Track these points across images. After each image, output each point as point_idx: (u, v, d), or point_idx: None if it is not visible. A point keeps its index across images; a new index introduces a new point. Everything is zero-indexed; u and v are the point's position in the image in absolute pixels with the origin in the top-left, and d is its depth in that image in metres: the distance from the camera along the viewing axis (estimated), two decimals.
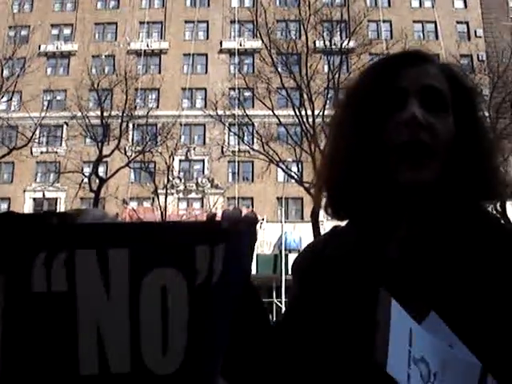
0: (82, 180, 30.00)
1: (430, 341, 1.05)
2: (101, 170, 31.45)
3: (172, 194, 36.05)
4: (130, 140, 33.16)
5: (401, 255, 1.22)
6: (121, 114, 29.82)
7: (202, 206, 38.79)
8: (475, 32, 43.66)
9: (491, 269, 1.14)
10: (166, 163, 31.37)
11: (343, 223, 1.42)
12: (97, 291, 1.25)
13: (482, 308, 1.12)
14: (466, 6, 45.04)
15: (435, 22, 43.31)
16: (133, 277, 1.26)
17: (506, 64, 27.16)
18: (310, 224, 23.07)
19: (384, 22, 43.33)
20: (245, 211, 1.32)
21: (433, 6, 44.27)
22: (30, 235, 1.26)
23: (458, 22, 43.92)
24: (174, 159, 33.58)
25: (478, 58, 36.07)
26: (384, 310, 1.04)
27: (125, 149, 30.54)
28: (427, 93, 1.24)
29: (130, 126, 32.77)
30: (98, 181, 28.00)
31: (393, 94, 1.24)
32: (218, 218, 1.31)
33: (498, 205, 22.83)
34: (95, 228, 1.31)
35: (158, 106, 40.61)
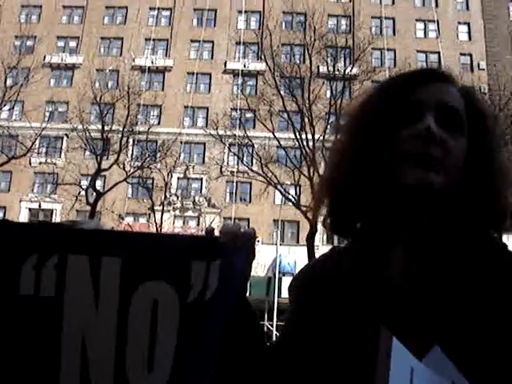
0: (79, 192, 29.97)
1: (431, 379, 1.02)
2: (98, 184, 31.38)
3: (168, 211, 36.01)
4: (130, 155, 33.17)
5: (404, 281, 1.19)
6: (121, 129, 29.87)
7: (198, 224, 38.73)
8: (478, 64, 43.98)
9: (499, 302, 1.11)
10: (164, 180, 31.39)
11: (342, 244, 1.39)
12: (85, 299, 1.21)
13: (488, 344, 1.08)
14: (470, 38, 45.43)
15: (439, 53, 43.63)
16: (124, 288, 1.22)
17: (507, 97, 27.30)
18: (306, 248, 23.00)
19: (388, 50, 43.66)
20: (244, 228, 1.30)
21: (437, 37, 44.64)
22: (22, 237, 1.22)
23: (461, 54, 44.25)
24: (172, 176, 33.63)
25: (480, 90, 36.22)
26: (384, 349, 1.01)
27: (124, 163, 30.53)
28: (443, 110, 1.22)
29: (130, 141, 32.79)
30: (94, 194, 27.93)
31: (408, 106, 1.22)
32: (216, 233, 1.29)
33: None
34: (90, 234, 1.27)
35: (159, 123, 40.75)
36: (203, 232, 1.32)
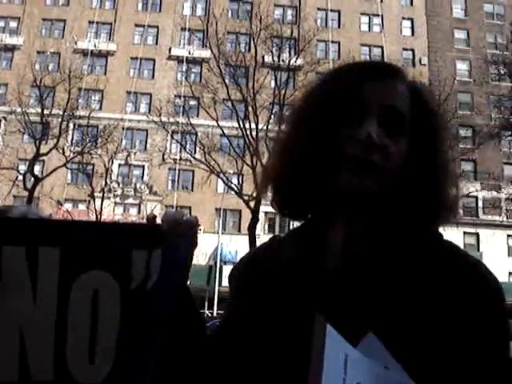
0: (17, 177, 29.30)
1: (365, 364, 1.03)
2: (37, 169, 30.76)
3: (109, 198, 35.55)
4: (70, 140, 32.65)
5: (342, 268, 1.20)
6: (62, 113, 29.30)
7: (139, 212, 38.40)
8: (420, 60, 44.96)
9: (432, 289, 1.14)
10: (105, 166, 30.96)
11: (282, 234, 1.39)
12: (22, 291, 1.15)
13: (421, 329, 1.10)
14: (413, 33, 46.37)
15: (382, 47, 44.35)
16: (63, 278, 1.18)
17: (447, 93, 27.97)
18: (247, 237, 23.09)
19: (333, 42, 44.11)
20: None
21: (381, 31, 45.36)
22: None
23: (404, 49, 45.14)
24: (113, 163, 33.20)
25: (423, 85, 36.96)
26: (319, 336, 1.00)
27: (63, 149, 29.94)
28: (387, 112, 1.21)
29: (71, 125, 32.25)
30: (33, 179, 27.33)
31: (353, 104, 1.20)
32: (158, 221, 1.25)
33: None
34: (26, 223, 1.20)
35: (100, 108, 40.15)
36: (144, 220, 1.30)
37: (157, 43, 44.66)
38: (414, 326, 1.11)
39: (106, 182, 32.66)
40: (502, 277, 34.84)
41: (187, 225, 1.25)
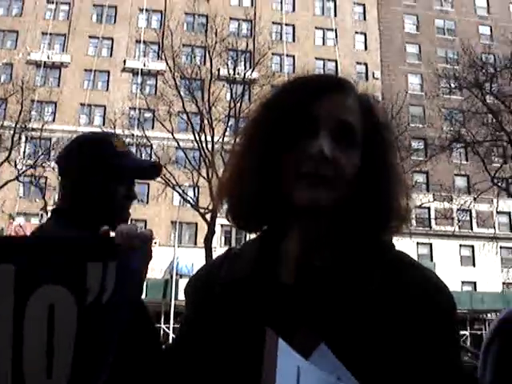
0: None
1: (318, 376, 1.04)
2: None
3: None
4: (22, 153, 32.01)
5: (295, 281, 1.21)
6: (14, 125, 28.77)
7: None
8: (373, 73, 45.69)
9: (383, 300, 1.15)
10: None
11: (235, 246, 1.41)
12: None
13: (371, 340, 1.11)
14: (366, 47, 47.12)
15: (336, 61, 44.93)
16: (18, 295, 1.18)
17: (399, 106, 28.45)
18: (203, 250, 23.00)
19: (287, 56, 44.50)
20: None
21: (335, 45, 45.95)
22: None
23: (357, 63, 45.81)
24: None
25: (373, 98, 37.53)
26: (270, 350, 1.02)
27: (15, 161, 29.42)
28: (339, 127, 1.23)
29: (23, 138, 31.65)
30: None
31: (305, 120, 1.22)
32: (112, 234, 1.28)
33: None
34: None
35: (53, 120, 39.55)
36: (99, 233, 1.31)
37: (111, 55, 44.33)
38: (366, 338, 1.12)
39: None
40: (454, 286, 35.44)
41: (141, 238, 1.26)
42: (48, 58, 42.73)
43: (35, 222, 34.91)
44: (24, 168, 30.00)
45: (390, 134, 1.34)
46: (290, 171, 1.20)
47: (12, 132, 28.86)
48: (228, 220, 1.34)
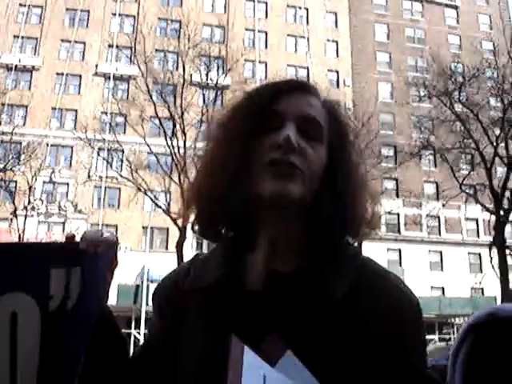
0: None
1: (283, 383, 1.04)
2: None
3: (32, 216, 34.59)
4: None
5: (262, 288, 1.21)
6: None
7: (64, 230, 37.47)
8: (344, 81, 45.94)
9: (350, 306, 1.16)
10: (28, 183, 30.12)
11: (205, 252, 1.40)
12: None
13: (337, 346, 1.12)
14: (337, 55, 47.37)
15: (308, 68, 45.12)
16: None
17: (370, 113, 28.70)
18: (175, 255, 22.93)
19: (260, 62, 44.61)
20: (106, 234, 1.26)
21: (307, 53, 46.16)
22: None
23: (329, 70, 46.00)
24: (36, 180, 32.30)
25: (345, 105, 37.85)
26: (235, 359, 1.03)
27: None
28: (304, 120, 1.24)
29: None
30: None
31: (271, 116, 1.24)
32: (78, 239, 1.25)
33: (355, 244, 23.94)
34: None
35: (24, 124, 39.09)
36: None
37: (83, 59, 43.94)
38: (332, 345, 1.12)
39: (29, 200, 31.78)
40: (423, 291, 35.68)
41: (106, 243, 1.24)
42: (19, 61, 42.21)
43: (4, 226, 34.44)
44: None
45: (354, 136, 1.36)
46: (258, 163, 1.21)
47: None
48: (193, 230, 1.33)
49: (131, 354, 1.36)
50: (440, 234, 42.15)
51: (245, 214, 1.25)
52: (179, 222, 23.25)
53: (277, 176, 1.19)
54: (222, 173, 1.23)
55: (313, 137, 1.24)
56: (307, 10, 48.19)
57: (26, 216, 30.03)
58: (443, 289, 40.95)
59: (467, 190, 26.83)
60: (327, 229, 1.22)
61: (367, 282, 1.19)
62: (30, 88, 42.00)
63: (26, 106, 40.43)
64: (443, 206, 29.96)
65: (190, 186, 1.34)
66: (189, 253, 23.24)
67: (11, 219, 31.71)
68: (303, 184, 1.20)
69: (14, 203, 29.74)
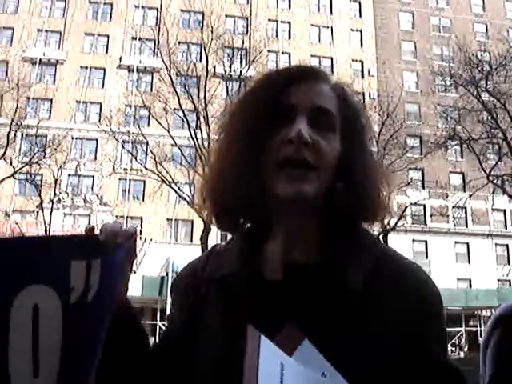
0: None
1: (302, 373, 1.03)
2: None
3: (58, 208, 34.94)
4: (17, 150, 31.95)
5: (280, 278, 1.21)
6: (9, 123, 28.70)
7: (89, 223, 37.82)
8: (369, 71, 45.68)
9: (370, 295, 1.15)
10: (54, 176, 30.43)
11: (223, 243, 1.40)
12: None
13: (355, 334, 1.12)
14: (362, 45, 47.10)
15: (332, 58, 44.91)
16: (3, 295, 1.18)
17: (395, 103, 28.50)
18: (199, 247, 23.00)
19: (283, 53, 44.45)
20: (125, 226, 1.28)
21: (330, 43, 45.95)
22: None
23: (353, 60, 45.79)
24: (62, 173, 32.62)
25: (369, 95, 37.69)
26: (252, 348, 1.02)
27: (11, 159, 29.36)
28: (315, 112, 1.22)
29: (19, 135, 31.60)
30: None
31: (281, 110, 1.22)
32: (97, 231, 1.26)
33: (381, 236, 23.79)
34: None
35: (49, 117, 39.48)
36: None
37: (107, 52, 44.22)
38: (350, 334, 1.11)
39: (54, 193, 32.09)
40: (449, 283, 35.51)
41: (125, 235, 1.25)
42: (44, 55, 42.60)
43: (31, 219, 34.89)
44: (20, 165, 29.95)
45: (366, 120, 1.33)
46: (270, 160, 1.20)
47: (8, 129, 28.77)
48: (211, 223, 1.34)
49: (151, 346, 1.36)
50: (467, 226, 41.78)
51: (261, 208, 1.24)
52: (203, 214, 23.30)
53: (291, 178, 1.18)
54: (235, 171, 1.22)
55: (325, 127, 1.23)
56: None
57: (51, 209, 30.38)
58: (470, 281, 40.69)
59: (494, 181, 26.57)
60: (344, 216, 1.23)
61: (387, 271, 1.19)
62: (54, 82, 42.40)
63: (51, 100, 40.84)
64: (470, 196, 29.64)
65: (202, 180, 1.35)
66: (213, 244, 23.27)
67: (37, 212, 32.12)
68: (318, 180, 1.20)
69: (40, 196, 30.12)
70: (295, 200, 1.18)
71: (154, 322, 31.07)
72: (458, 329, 35.37)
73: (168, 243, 34.32)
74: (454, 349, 34.69)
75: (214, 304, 1.25)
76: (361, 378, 1.08)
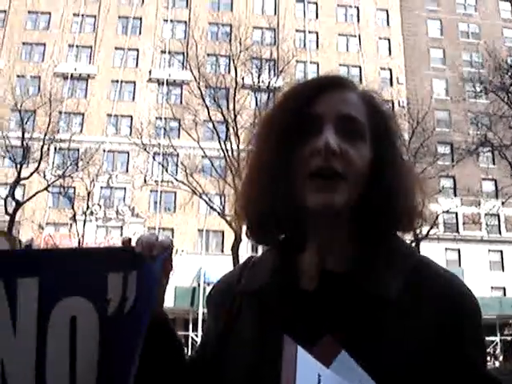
0: None
1: None
2: (18, 193, 30.45)
3: (91, 221, 35.34)
4: (51, 163, 32.41)
5: (316, 289, 1.20)
6: (42, 137, 29.10)
7: (122, 234, 38.13)
8: (397, 79, 45.38)
9: (408, 307, 1.14)
10: (87, 189, 30.79)
11: (258, 254, 1.41)
12: (2, 325, 1.18)
13: (394, 347, 1.11)
14: (390, 53, 46.84)
15: (360, 67, 44.75)
16: (41, 308, 1.20)
17: (425, 111, 28.26)
18: (230, 257, 23.04)
19: (311, 63, 44.46)
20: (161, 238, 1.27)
21: (358, 52, 45.81)
22: None
23: (381, 68, 45.56)
24: (94, 185, 33.01)
25: (399, 103, 37.41)
26: (289, 359, 1.02)
27: (44, 172, 29.77)
28: (343, 120, 1.22)
29: (52, 149, 32.03)
30: (14, 203, 27.09)
31: (309, 120, 1.22)
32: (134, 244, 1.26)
33: (413, 245, 23.54)
34: (2, 255, 1.24)
35: (81, 131, 40.00)
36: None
37: (137, 66, 44.70)
38: (388, 345, 1.10)
39: (87, 205, 32.46)
40: (483, 292, 34.91)
41: (161, 246, 1.24)
42: (75, 69, 43.22)
43: (64, 231, 35.31)
44: (53, 178, 30.32)
45: (396, 127, 1.32)
46: (300, 172, 1.20)
47: (41, 143, 29.11)
48: (247, 236, 1.34)
49: (188, 358, 1.36)
50: (500, 233, 41.15)
51: (293, 220, 1.24)
52: (234, 224, 23.37)
53: (320, 189, 1.18)
54: (267, 184, 1.23)
55: (354, 135, 1.22)
56: (358, 8, 47.81)
57: (84, 221, 30.71)
58: (504, 289, 39.99)
59: None
60: (378, 225, 1.21)
61: (423, 281, 1.17)
62: (85, 96, 42.95)
63: (83, 114, 41.38)
64: (503, 203, 29.25)
65: (237, 194, 1.35)
66: (244, 255, 23.31)
67: (71, 224, 32.49)
68: (347, 190, 1.19)
69: (73, 208, 30.51)
70: (324, 211, 1.18)
71: (186, 333, 31.14)
72: (492, 338, 34.78)
73: (199, 254, 34.41)
74: (489, 358, 34.13)
75: (248, 314, 1.24)
76: None
